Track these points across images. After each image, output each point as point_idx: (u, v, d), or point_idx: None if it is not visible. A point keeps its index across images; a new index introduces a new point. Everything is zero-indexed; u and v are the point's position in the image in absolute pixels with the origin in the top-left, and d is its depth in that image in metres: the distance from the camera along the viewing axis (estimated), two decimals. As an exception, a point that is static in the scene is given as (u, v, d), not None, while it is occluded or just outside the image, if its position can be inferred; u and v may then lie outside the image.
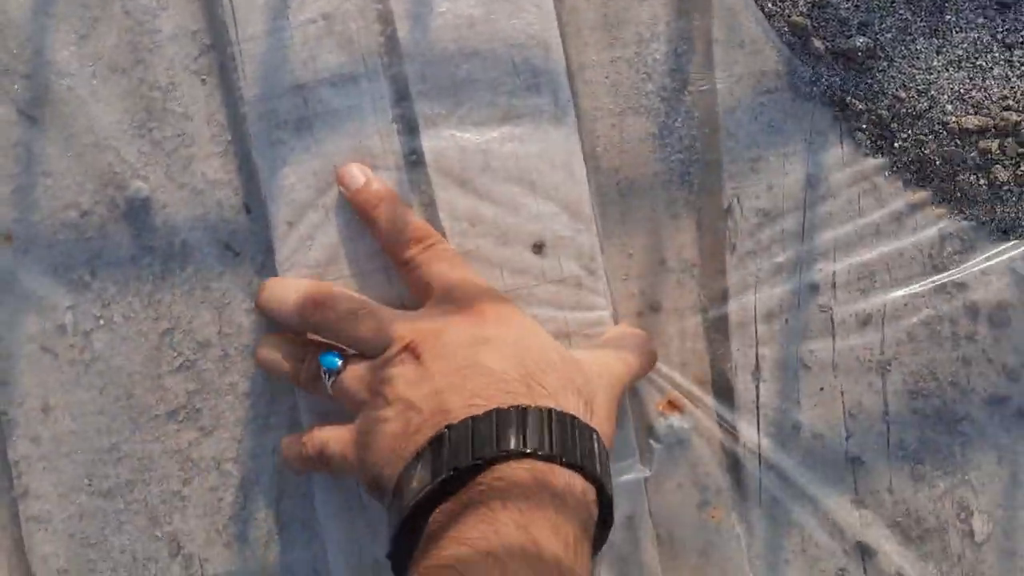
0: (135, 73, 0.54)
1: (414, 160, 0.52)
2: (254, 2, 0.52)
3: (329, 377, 0.45)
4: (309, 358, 0.47)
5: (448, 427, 0.39)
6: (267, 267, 0.53)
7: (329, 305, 0.46)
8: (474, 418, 0.39)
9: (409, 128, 0.52)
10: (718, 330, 0.53)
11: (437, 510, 0.38)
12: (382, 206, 0.49)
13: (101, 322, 0.53)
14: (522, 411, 0.39)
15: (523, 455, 0.37)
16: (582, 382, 0.43)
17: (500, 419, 0.38)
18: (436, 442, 0.39)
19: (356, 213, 0.50)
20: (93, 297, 0.53)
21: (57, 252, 0.53)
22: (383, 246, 0.49)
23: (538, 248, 0.51)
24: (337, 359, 0.45)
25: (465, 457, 0.37)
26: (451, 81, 0.52)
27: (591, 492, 0.40)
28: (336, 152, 0.52)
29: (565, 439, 0.39)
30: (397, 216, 0.49)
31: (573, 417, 0.40)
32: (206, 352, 0.53)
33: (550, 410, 0.39)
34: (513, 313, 0.46)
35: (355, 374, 0.45)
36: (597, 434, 0.41)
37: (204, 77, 0.54)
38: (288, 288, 0.49)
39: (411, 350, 0.43)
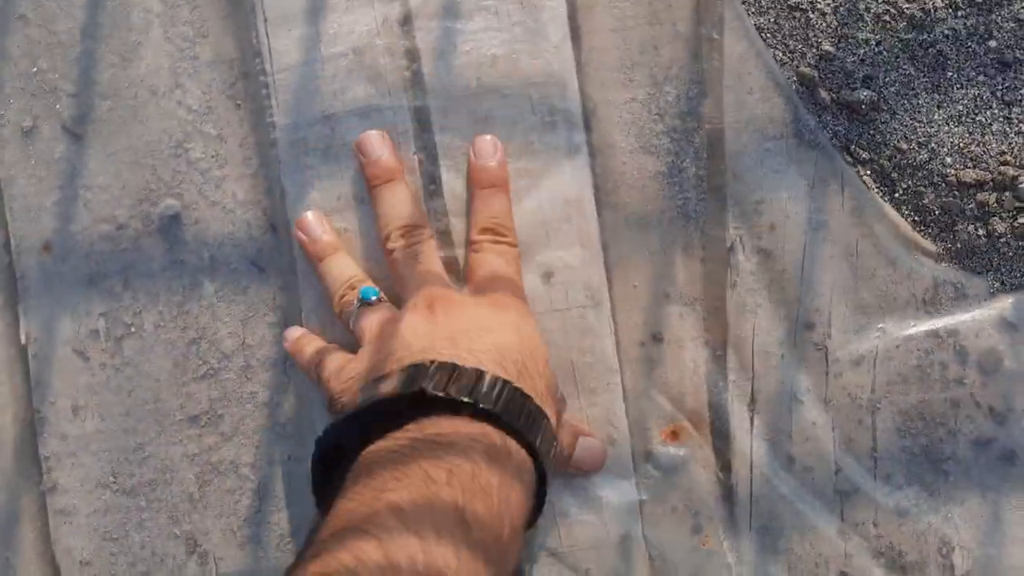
0: (174, 96, 0.58)
1: (433, 189, 0.55)
2: (288, 35, 0.56)
3: (359, 306, 0.50)
4: (354, 284, 0.51)
5: (431, 361, 0.42)
6: (290, 284, 0.57)
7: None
8: (455, 365, 0.42)
9: (430, 159, 0.55)
10: (716, 362, 0.56)
11: (371, 447, 0.39)
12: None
13: (132, 329, 0.57)
14: (508, 384, 0.42)
15: (474, 409, 0.40)
16: (551, 381, 0.47)
17: (484, 378, 0.41)
18: (413, 366, 0.42)
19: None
20: (125, 305, 0.57)
21: (93, 262, 0.58)
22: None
23: (547, 277, 0.55)
24: (373, 294, 0.50)
25: (432, 387, 0.40)
26: (472, 116, 0.55)
27: (528, 463, 0.42)
28: (359, 179, 0.55)
29: (512, 407, 0.41)
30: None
31: (528, 396, 0.43)
32: (229, 362, 0.57)
33: (519, 388, 0.42)
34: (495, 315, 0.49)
35: (377, 309, 0.49)
36: (548, 420, 0.43)
37: (239, 102, 0.58)
38: (397, 198, 0.54)
39: (428, 304, 0.46)
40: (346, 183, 0.56)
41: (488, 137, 0.53)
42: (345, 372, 0.47)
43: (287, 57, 0.56)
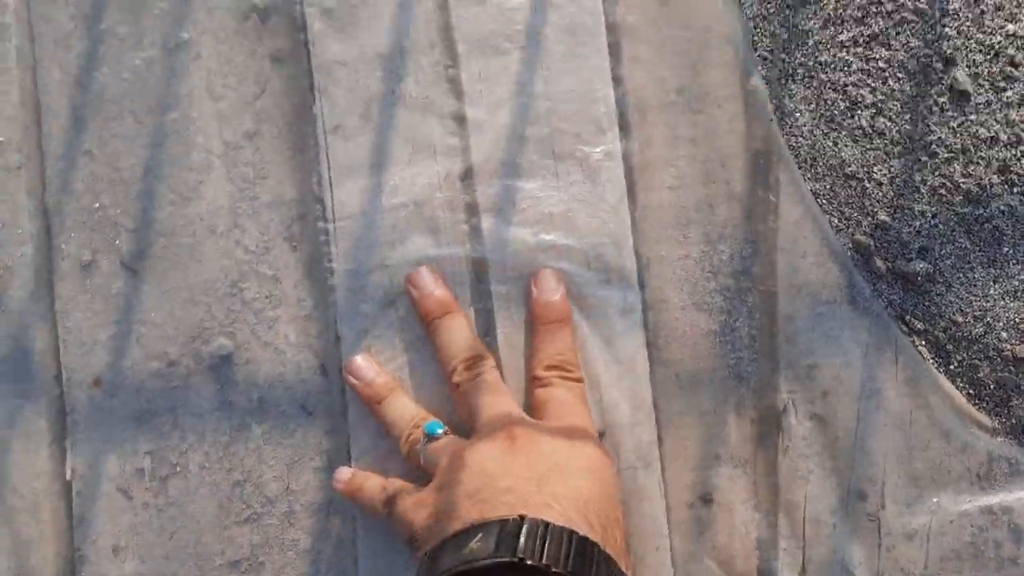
0: (232, 235, 0.59)
1: (489, 342, 0.56)
2: (352, 185, 0.57)
3: (427, 442, 0.50)
4: (418, 422, 0.52)
5: (522, 517, 0.42)
6: (338, 427, 0.57)
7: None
8: (547, 524, 0.42)
9: (486, 311, 0.56)
10: (768, 528, 0.56)
11: None
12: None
13: (177, 469, 0.58)
14: (596, 547, 0.43)
15: None
16: (622, 537, 0.47)
17: (574, 541, 0.42)
18: (503, 524, 0.42)
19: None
20: (172, 445, 0.58)
21: (142, 399, 0.58)
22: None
23: (599, 435, 0.55)
24: (439, 427, 0.51)
25: (528, 555, 0.41)
26: (528, 271, 0.56)
27: None
28: (418, 327, 0.56)
29: None
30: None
31: (615, 563, 0.44)
32: (273, 507, 0.57)
33: (610, 557, 0.43)
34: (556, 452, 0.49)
35: (445, 442, 0.50)
36: None
37: (295, 244, 0.59)
38: (457, 331, 0.54)
39: (507, 434, 0.47)
40: (403, 331, 0.56)
41: (550, 271, 0.55)
42: (424, 508, 0.47)
43: (349, 207, 0.57)
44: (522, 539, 0.41)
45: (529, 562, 0.40)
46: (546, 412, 0.51)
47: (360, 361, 0.55)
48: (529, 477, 0.45)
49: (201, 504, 0.58)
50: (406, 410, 0.54)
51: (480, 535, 0.42)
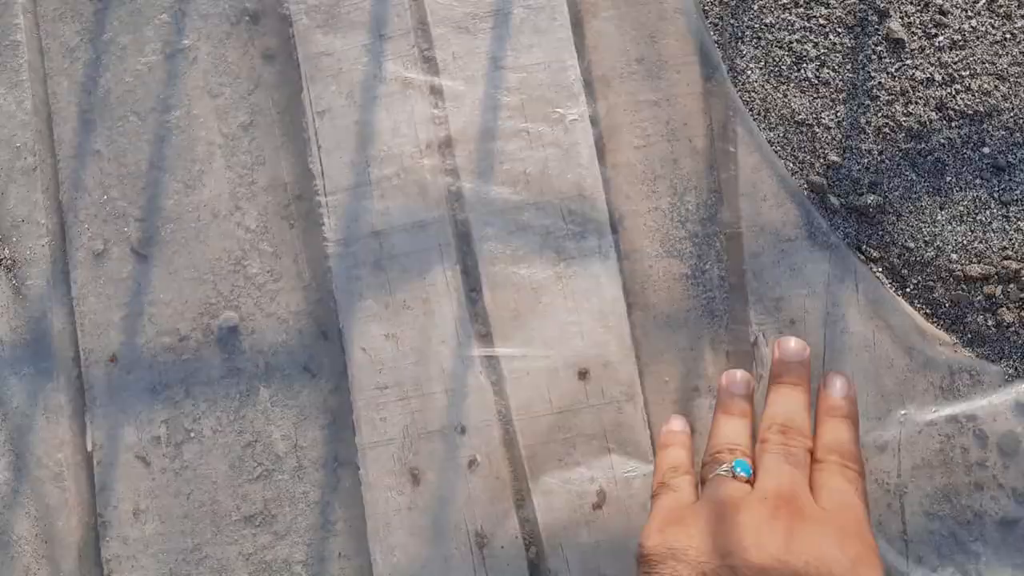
0: (233, 218, 0.64)
1: (474, 297, 0.61)
2: (341, 160, 0.63)
3: (722, 473, 0.50)
4: (734, 448, 0.51)
5: None
6: (341, 388, 0.62)
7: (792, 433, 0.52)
8: None
9: (471, 268, 0.61)
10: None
11: None
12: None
13: (191, 434, 0.62)
14: None
15: None
16: None
17: None
18: None
19: None
20: (186, 412, 0.62)
21: (156, 372, 0.63)
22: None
23: (583, 374, 0.60)
24: (746, 471, 0.50)
25: None
26: (509, 228, 0.61)
27: None
28: (407, 288, 0.61)
29: None
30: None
31: None
32: (283, 463, 0.62)
33: None
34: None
35: (736, 486, 0.49)
36: None
37: (292, 222, 0.64)
38: (791, 400, 0.54)
39: (775, 503, 0.47)
40: (393, 293, 0.61)
41: (840, 377, 0.56)
42: (674, 515, 0.48)
43: (339, 181, 0.63)
44: None
45: None
46: (820, 498, 0.49)
47: (739, 374, 0.58)
48: (783, 562, 0.43)
49: (215, 465, 0.62)
50: (738, 435, 0.53)
51: None
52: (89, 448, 0.62)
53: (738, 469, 0.50)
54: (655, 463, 0.57)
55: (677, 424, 0.59)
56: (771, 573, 0.43)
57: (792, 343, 0.58)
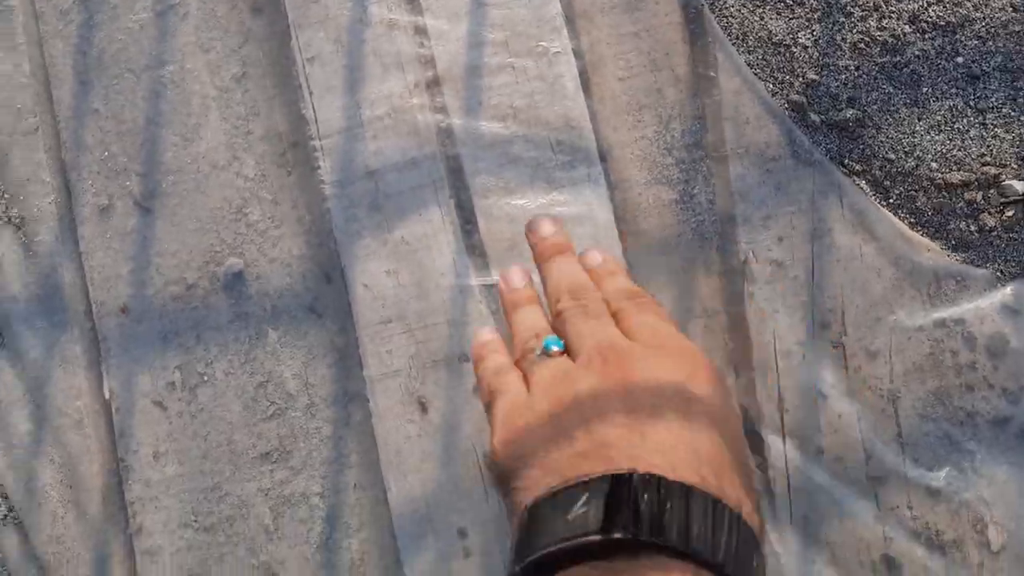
0: (231, 168, 0.66)
1: (469, 229, 0.63)
2: (333, 104, 0.64)
3: (540, 355, 0.46)
4: (539, 333, 0.48)
5: (634, 473, 0.35)
6: (346, 327, 0.64)
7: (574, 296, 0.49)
8: (664, 482, 0.35)
9: (465, 202, 0.63)
10: (744, 368, 0.62)
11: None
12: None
13: (205, 378, 0.64)
14: (718, 506, 0.35)
15: (701, 561, 0.33)
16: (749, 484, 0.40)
17: (692, 503, 0.34)
18: (613, 484, 0.35)
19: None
20: (198, 357, 0.64)
21: (167, 320, 0.65)
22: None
23: (580, 300, 0.62)
24: (557, 344, 0.46)
25: (644, 528, 0.33)
26: (500, 161, 0.63)
27: None
28: (405, 224, 0.63)
29: (747, 559, 0.35)
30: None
31: (751, 530, 0.36)
32: (295, 401, 0.64)
33: (739, 517, 0.35)
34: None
35: (556, 362, 0.45)
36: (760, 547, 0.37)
37: (289, 169, 0.66)
38: (566, 267, 0.51)
39: (602, 357, 0.42)
40: (390, 231, 0.63)
41: (592, 249, 0.55)
42: (513, 422, 0.42)
43: (333, 124, 0.64)
44: (635, 504, 0.34)
45: (652, 541, 0.34)
46: (637, 336, 0.45)
47: (514, 271, 0.53)
48: (624, 409, 0.39)
49: (229, 406, 0.64)
50: (536, 321, 0.50)
51: (578, 496, 0.35)
52: (107, 396, 0.64)
53: (551, 347, 0.45)
54: (478, 375, 0.49)
55: (486, 334, 0.52)
56: (622, 436, 0.38)
57: (544, 222, 0.54)
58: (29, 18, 0.68)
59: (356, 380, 0.63)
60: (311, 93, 0.65)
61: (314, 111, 0.64)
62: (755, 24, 0.65)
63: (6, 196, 0.66)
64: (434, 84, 0.64)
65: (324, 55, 0.65)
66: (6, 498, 0.63)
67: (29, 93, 0.67)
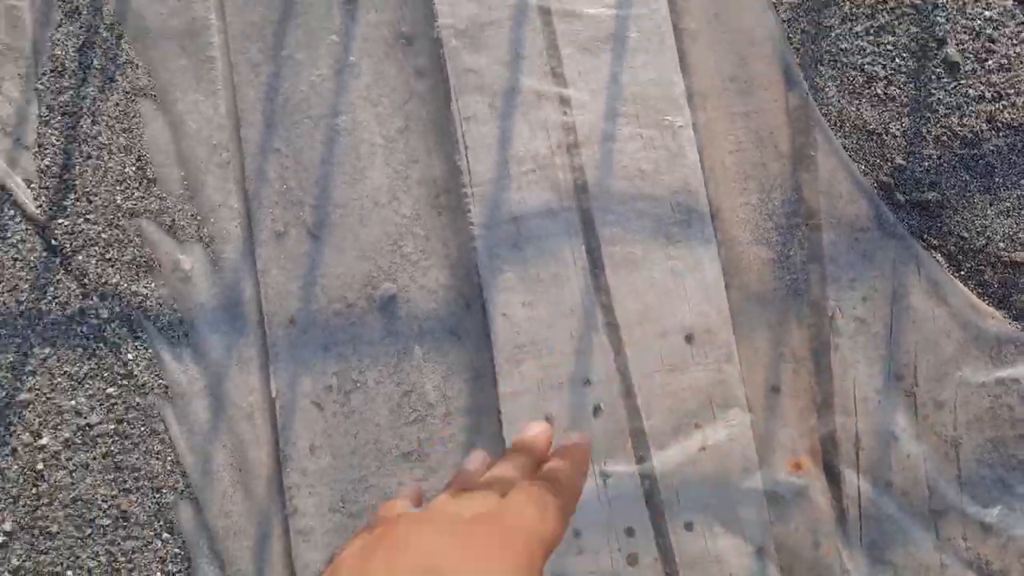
0: (391, 206, 0.77)
1: (596, 272, 0.74)
2: (485, 158, 0.76)
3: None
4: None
5: None
6: (482, 348, 0.74)
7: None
8: None
9: (594, 248, 0.74)
10: (826, 409, 0.72)
11: None
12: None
13: (358, 384, 0.75)
14: None
15: None
16: None
17: None
18: None
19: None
20: (353, 366, 0.75)
21: (328, 333, 0.76)
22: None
23: (689, 339, 0.72)
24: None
25: None
26: (627, 215, 0.74)
27: None
28: (541, 264, 0.74)
29: None
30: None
31: None
32: (434, 410, 0.74)
33: None
34: None
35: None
36: None
37: (440, 211, 0.77)
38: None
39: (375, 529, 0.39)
40: (529, 268, 0.74)
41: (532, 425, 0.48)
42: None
43: (484, 175, 0.75)
44: None
45: None
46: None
47: (473, 456, 0.46)
48: None
49: (378, 410, 0.74)
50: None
51: None
52: (273, 394, 0.75)
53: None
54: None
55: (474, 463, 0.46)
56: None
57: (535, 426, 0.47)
58: (227, 68, 0.80)
59: (488, 395, 0.73)
60: (467, 147, 0.76)
61: (468, 163, 0.76)
62: (852, 113, 0.75)
63: (199, 218, 0.77)
64: (573, 147, 0.75)
65: (480, 116, 0.76)
66: (184, 475, 0.74)
67: (223, 132, 0.78)
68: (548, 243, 0.74)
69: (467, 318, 0.75)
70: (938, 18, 0.75)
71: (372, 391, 0.74)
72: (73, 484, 0.74)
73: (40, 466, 0.74)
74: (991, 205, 0.72)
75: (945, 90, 0.74)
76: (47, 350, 0.75)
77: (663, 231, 0.73)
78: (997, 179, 0.72)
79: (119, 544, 0.73)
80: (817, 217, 0.74)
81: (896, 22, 0.75)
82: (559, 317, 0.73)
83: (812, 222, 0.74)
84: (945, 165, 0.73)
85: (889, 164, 0.74)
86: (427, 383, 0.74)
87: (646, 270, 0.73)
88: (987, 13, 0.74)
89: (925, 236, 0.72)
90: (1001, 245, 0.71)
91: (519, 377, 0.72)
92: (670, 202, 0.74)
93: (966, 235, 0.72)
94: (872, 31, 0.76)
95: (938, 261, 0.72)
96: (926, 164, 0.73)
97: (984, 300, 0.71)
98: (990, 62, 0.74)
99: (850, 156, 0.74)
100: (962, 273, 0.72)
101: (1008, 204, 0.72)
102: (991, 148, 0.72)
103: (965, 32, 0.74)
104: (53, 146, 0.79)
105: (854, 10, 0.76)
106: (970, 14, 0.74)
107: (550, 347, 0.72)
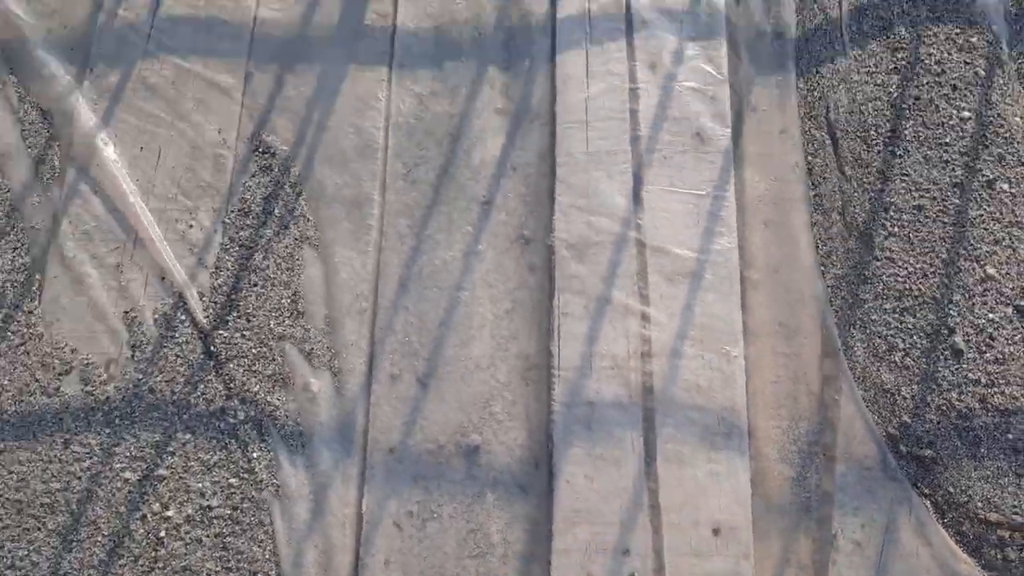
0: (489, 371, 0.94)
1: (649, 461, 0.90)
2: (574, 348, 0.93)
3: None
4: None
5: None
6: (543, 504, 0.89)
7: None
8: None
9: (651, 442, 0.90)
10: (819, 612, 0.86)
11: None
12: None
13: (434, 515, 0.89)
14: None
15: None
16: None
17: None
18: None
19: None
20: (433, 499, 0.90)
21: (418, 466, 0.91)
22: None
23: (716, 531, 0.87)
24: None
25: None
26: (682, 421, 0.90)
27: None
28: (605, 446, 0.90)
29: None
30: None
31: None
32: (494, 550, 0.88)
33: None
34: None
35: None
36: None
37: (529, 383, 0.94)
38: None
39: None
40: (598, 445, 0.90)
41: None
42: None
43: (570, 361, 0.92)
44: None
45: None
46: None
47: None
48: None
49: (447, 540, 0.89)
50: None
51: None
52: (363, 510, 0.90)
53: None
54: None
55: None
56: None
57: None
58: (379, 235, 0.98)
59: (543, 547, 0.88)
60: (560, 336, 0.93)
61: (559, 349, 0.93)
62: (873, 372, 0.93)
63: (332, 351, 0.94)
64: (647, 355, 0.92)
65: (575, 314, 0.94)
66: (278, 565, 0.87)
67: (366, 285, 0.96)
68: (614, 430, 0.90)
69: (536, 477, 0.90)
70: (951, 311, 0.93)
71: (446, 523, 0.89)
72: (186, 555, 0.88)
73: (162, 534, 0.88)
74: (975, 470, 0.89)
75: (949, 370, 0.92)
76: (188, 436, 0.90)
77: (708, 438, 0.90)
78: (983, 450, 0.89)
79: (218, 612, 0.86)
80: (833, 450, 0.90)
81: (918, 307, 0.94)
82: (613, 493, 0.88)
83: (829, 453, 0.90)
84: (942, 430, 0.90)
85: (897, 420, 0.91)
86: (492, 525, 0.89)
87: (690, 467, 0.88)
88: (991, 315, 0.93)
89: (919, 484, 0.89)
90: (979, 504, 0.87)
91: (572, 537, 0.87)
92: (718, 415, 0.90)
93: (952, 490, 0.88)
94: (898, 311, 0.94)
95: (927, 507, 0.88)
96: (927, 426, 0.90)
97: (960, 547, 0.87)
98: (988, 354, 0.92)
99: (867, 406, 0.91)
100: (945, 521, 0.88)
101: (989, 472, 0.88)
102: (980, 424, 0.90)
103: (971, 327, 0.93)
104: (228, 270, 0.96)
105: (886, 291, 0.95)
106: (977, 313, 0.93)
107: (601, 516, 0.87)
